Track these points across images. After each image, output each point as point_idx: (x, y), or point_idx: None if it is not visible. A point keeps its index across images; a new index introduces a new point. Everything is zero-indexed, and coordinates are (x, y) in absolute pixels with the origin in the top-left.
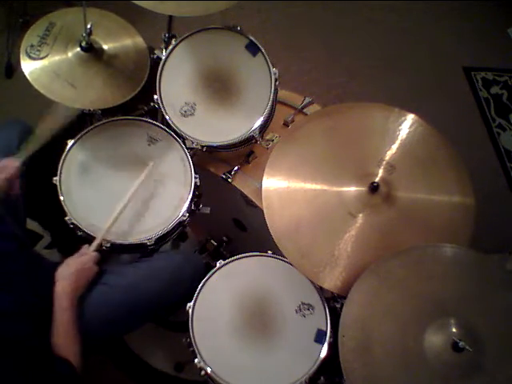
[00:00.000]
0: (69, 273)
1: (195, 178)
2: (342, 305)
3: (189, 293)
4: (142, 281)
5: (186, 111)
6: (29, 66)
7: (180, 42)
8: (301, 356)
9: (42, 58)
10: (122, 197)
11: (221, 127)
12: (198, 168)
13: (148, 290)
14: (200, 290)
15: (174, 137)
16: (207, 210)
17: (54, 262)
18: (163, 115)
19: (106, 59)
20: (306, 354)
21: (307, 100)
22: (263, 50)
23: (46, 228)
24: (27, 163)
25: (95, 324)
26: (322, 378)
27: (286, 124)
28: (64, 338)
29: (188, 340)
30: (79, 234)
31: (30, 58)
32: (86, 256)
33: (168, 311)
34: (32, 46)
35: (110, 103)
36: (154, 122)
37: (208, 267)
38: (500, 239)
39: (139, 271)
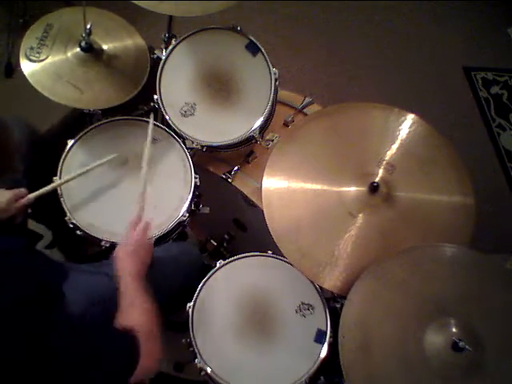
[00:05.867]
0: (127, 254)
1: (195, 178)
2: (342, 305)
3: (188, 285)
4: None
5: (186, 111)
6: (30, 69)
7: (180, 42)
8: (301, 356)
9: (42, 61)
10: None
11: (221, 127)
12: (198, 168)
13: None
14: (200, 289)
15: (174, 137)
16: (207, 210)
17: (57, 260)
18: (163, 115)
19: (106, 59)
20: (306, 354)
21: (307, 100)
22: (263, 50)
23: (48, 227)
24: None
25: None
26: (321, 377)
27: (286, 124)
28: (129, 313)
29: (188, 340)
30: (79, 233)
31: (31, 60)
32: (138, 231)
33: (166, 308)
34: (31, 48)
35: (111, 103)
36: (154, 122)
37: (208, 268)
38: (500, 239)
39: None
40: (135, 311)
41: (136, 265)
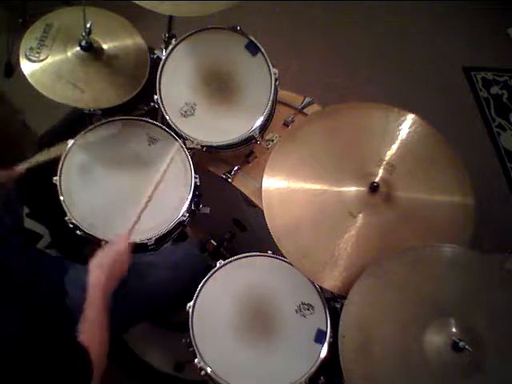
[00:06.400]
0: (105, 262)
1: (195, 178)
2: (342, 305)
3: (189, 290)
4: (141, 277)
5: (186, 111)
6: (29, 69)
7: (180, 42)
8: (301, 356)
9: (42, 61)
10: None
11: (221, 127)
12: (198, 168)
13: (147, 286)
14: (200, 289)
15: (174, 137)
16: (207, 210)
17: (57, 256)
18: (163, 115)
19: (106, 59)
20: (306, 354)
21: (307, 100)
22: (263, 50)
23: (47, 227)
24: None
25: None
26: (321, 378)
27: (286, 124)
28: (90, 326)
29: (188, 340)
30: (79, 233)
31: (30, 60)
32: (122, 246)
33: (168, 310)
34: (31, 48)
35: (111, 103)
36: (154, 121)
37: (208, 267)
38: (500, 239)
39: (138, 267)
40: (95, 328)
41: (109, 279)
